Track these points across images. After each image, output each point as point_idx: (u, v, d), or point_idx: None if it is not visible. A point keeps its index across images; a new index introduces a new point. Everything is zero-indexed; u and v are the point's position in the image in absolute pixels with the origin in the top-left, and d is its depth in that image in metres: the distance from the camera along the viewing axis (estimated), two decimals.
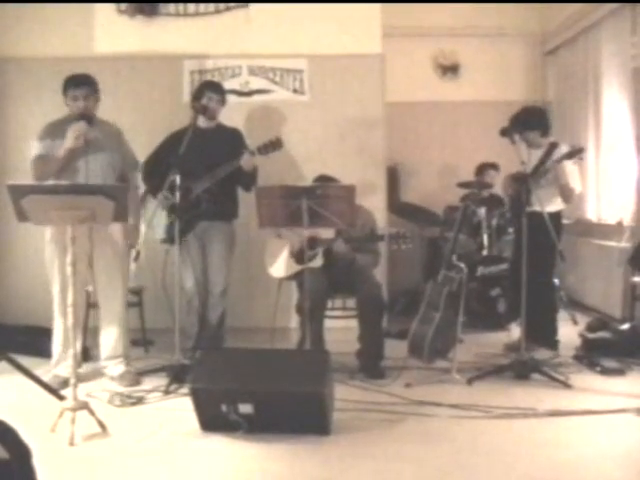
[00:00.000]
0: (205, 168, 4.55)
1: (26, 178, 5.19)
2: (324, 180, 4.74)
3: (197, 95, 4.78)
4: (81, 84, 4.29)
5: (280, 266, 4.69)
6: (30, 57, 5.79)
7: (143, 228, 4.63)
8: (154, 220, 4.61)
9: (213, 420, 3.41)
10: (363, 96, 5.81)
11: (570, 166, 4.58)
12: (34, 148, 4.26)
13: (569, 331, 5.27)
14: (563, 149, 4.57)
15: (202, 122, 4.70)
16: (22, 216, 3.39)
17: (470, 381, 4.21)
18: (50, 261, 4.25)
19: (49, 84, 5.70)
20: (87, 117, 4.20)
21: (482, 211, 6.08)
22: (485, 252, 6.03)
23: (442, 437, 3.41)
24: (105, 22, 5.84)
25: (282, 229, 4.59)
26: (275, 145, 4.53)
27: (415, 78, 7.46)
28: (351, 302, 4.74)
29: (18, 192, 3.32)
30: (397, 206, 6.79)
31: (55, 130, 4.23)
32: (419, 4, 7.18)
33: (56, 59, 5.71)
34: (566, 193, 4.70)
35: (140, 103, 5.67)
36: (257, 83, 5.84)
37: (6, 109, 5.84)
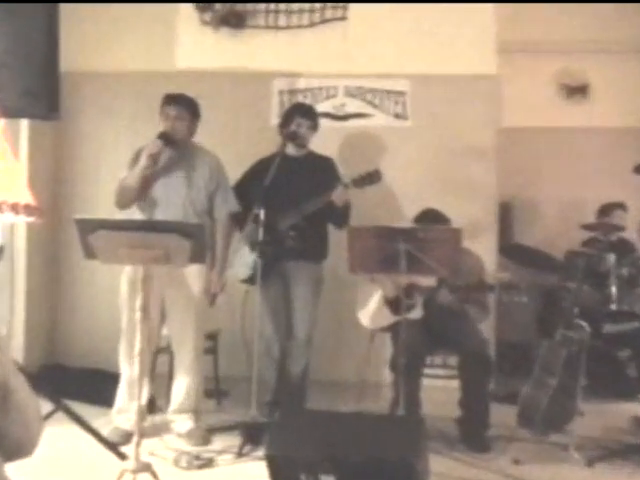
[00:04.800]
0: (293, 201, 4.60)
1: (99, 204, 5.45)
2: (431, 215, 4.71)
3: (286, 120, 4.87)
4: (174, 102, 4.44)
5: (373, 315, 4.68)
6: (106, 72, 6.01)
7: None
8: (236, 257, 4.71)
9: None
10: (474, 122, 5.78)
11: None
12: (123, 174, 4.44)
13: None
14: None
15: (291, 150, 4.77)
16: (90, 253, 3.49)
17: (591, 462, 4.06)
18: (123, 299, 4.39)
19: (125, 101, 5.95)
20: (168, 137, 4.32)
21: (611, 258, 5.90)
22: (613, 306, 5.84)
23: None
24: (187, 34, 6.02)
25: (376, 274, 4.58)
26: (373, 178, 4.53)
27: (535, 101, 7.36)
28: (452, 359, 4.69)
29: (86, 227, 3.43)
30: (509, 248, 6.67)
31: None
32: (541, 16, 7.13)
33: (133, 74, 5.96)
34: None
35: (223, 125, 5.79)
36: (354, 106, 5.89)
37: (79, 127, 6.04)
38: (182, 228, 3.45)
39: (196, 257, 3.53)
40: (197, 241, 3.46)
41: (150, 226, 3.57)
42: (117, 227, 3.43)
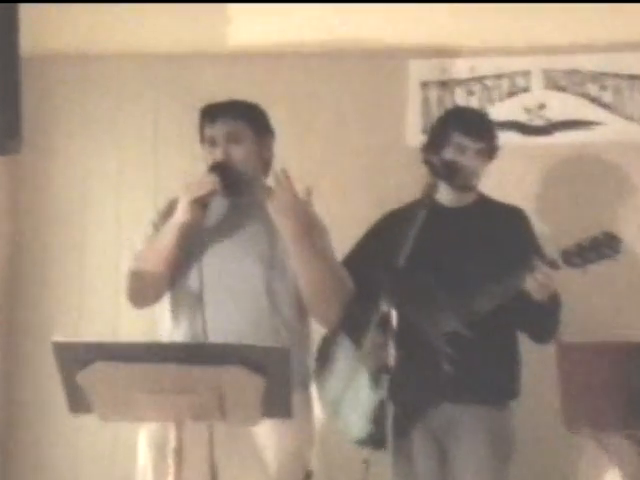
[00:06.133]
0: (451, 292, 4.61)
1: (90, 297, 5.51)
2: None
3: (435, 138, 4.89)
4: (220, 115, 4.48)
5: None
6: (104, 54, 6.13)
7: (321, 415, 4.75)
8: (346, 397, 4.74)
9: None
10: None
11: None
12: (138, 244, 4.54)
13: None
14: None
15: (446, 194, 4.84)
16: (78, 403, 3.51)
17: None
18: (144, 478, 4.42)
19: (137, 106, 6.07)
20: (227, 169, 4.35)
21: None
22: None
23: None
24: None
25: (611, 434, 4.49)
26: (602, 248, 4.46)
27: None
28: None
29: (73, 356, 3.42)
30: None
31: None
32: None
33: (150, 59, 6.09)
34: None
35: (315, 148, 5.85)
36: (563, 107, 5.87)
37: (55, 155, 6.21)
38: (252, 355, 3.45)
39: (275, 408, 3.56)
40: (279, 379, 3.45)
41: (192, 352, 3.57)
42: (129, 355, 3.43)
